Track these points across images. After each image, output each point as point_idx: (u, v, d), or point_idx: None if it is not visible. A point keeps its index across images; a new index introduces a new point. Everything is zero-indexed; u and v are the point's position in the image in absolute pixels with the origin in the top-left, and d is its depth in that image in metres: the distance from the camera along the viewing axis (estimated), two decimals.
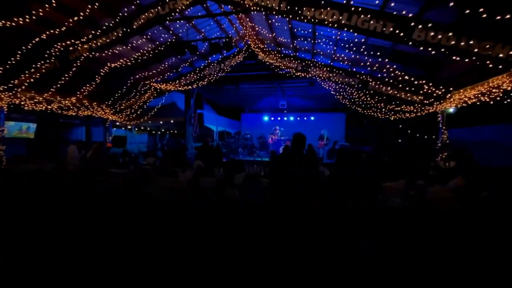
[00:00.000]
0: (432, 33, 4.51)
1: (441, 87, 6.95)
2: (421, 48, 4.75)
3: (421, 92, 7.39)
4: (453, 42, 4.42)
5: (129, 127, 14.00)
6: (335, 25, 4.89)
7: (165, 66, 8.63)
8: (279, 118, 15.61)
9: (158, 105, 10.11)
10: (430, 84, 7.11)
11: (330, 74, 8.48)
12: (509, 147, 8.64)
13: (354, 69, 8.43)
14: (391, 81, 7.82)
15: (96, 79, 7.11)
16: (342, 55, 7.81)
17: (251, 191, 3.74)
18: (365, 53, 7.06)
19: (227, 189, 3.72)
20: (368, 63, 7.68)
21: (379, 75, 7.97)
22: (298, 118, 15.46)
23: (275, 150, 10.37)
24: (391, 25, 4.65)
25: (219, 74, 9.39)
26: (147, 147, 16.13)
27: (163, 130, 17.21)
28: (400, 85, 7.69)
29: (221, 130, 15.34)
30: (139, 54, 7.18)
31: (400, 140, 11.49)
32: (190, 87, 9.37)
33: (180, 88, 9.29)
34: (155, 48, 7.26)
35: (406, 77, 7.24)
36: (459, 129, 9.59)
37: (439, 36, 4.49)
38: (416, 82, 7.19)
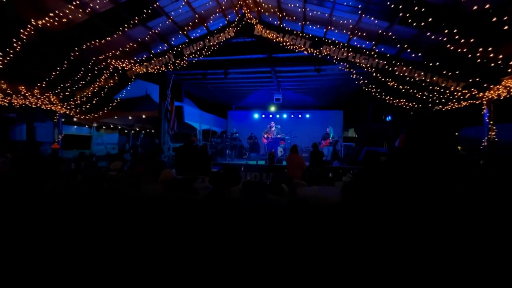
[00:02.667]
0: None
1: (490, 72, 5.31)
2: None
3: (467, 77, 5.70)
4: None
5: (94, 125, 11.50)
6: None
7: (128, 36, 6.27)
8: (270, 116, 13.99)
9: (123, 93, 7.70)
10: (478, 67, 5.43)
11: (349, 53, 6.58)
12: None
13: (378, 49, 6.60)
14: (426, 63, 6.08)
15: (15, 46, 4.64)
16: (368, 26, 5.91)
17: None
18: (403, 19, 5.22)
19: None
20: (401, 38, 5.85)
21: (413, 55, 6.15)
22: (292, 116, 14.00)
23: (273, 151, 8.34)
24: None
25: (203, 54, 7.19)
26: (118, 148, 13.69)
27: (137, 129, 14.80)
28: (440, 69, 5.96)
29: (205, 128, 13.15)
30: (87, 12, 4.77)
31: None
32: (164, 69, 7.10)
33: (150, 70, 6.98)
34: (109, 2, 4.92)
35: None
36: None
37: None
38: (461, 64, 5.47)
